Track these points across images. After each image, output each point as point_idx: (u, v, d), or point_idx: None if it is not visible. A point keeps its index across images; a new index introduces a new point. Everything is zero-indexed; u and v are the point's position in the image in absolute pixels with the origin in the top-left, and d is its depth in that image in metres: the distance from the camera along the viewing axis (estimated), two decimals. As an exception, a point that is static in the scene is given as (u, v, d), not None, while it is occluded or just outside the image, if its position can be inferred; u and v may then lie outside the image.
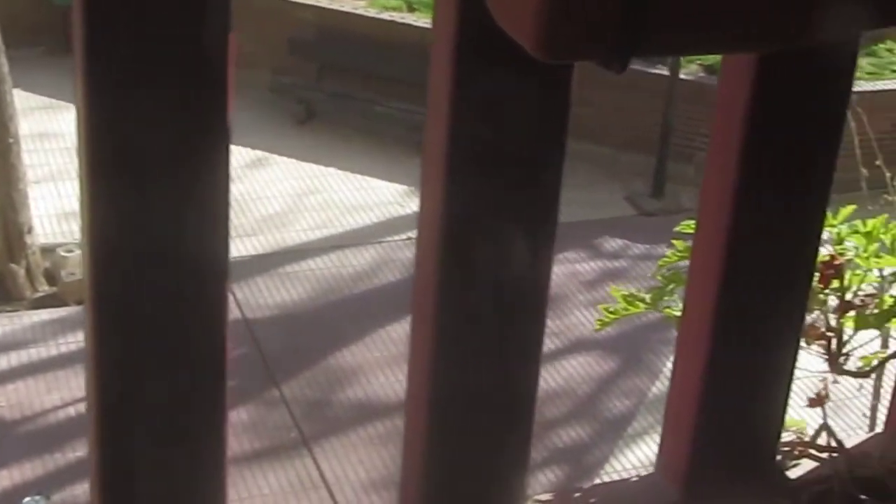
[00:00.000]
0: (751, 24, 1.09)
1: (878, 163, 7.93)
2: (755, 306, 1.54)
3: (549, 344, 8.46)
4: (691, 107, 10.51)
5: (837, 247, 1.70)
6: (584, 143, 10.87)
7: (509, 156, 1.31)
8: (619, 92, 10.33)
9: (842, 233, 1.71)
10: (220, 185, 1.20)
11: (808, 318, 1.71)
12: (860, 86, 10.59)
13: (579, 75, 1.28)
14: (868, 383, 1.79)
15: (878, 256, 1.71)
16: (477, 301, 1.36)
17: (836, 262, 1.66)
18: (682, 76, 10.37)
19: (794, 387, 1.69)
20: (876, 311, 1.67)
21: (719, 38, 1.11)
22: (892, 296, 1.70)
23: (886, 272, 1.72)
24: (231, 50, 1.16)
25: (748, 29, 1.10)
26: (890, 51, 12.06)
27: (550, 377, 7.90)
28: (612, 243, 9.81)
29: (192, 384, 1.27)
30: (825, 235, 1.72)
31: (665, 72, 10.41)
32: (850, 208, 1.71)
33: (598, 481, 6.84)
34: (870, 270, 1.71)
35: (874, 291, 1.72)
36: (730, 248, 1.48)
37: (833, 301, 1.71)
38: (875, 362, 1.70)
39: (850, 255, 1.68)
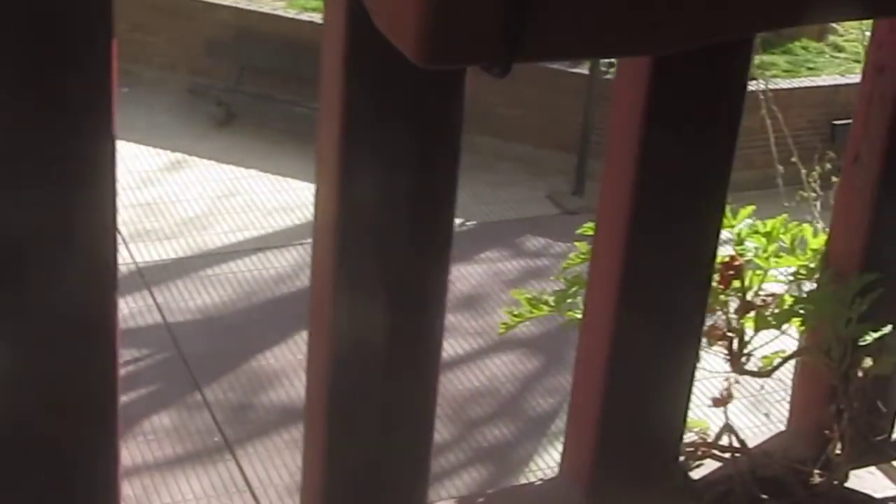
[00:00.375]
0: (640, 27, 1.09)
1: (793, 159, 8.06)
2: (655, 307, 1.54)
3: (472, 343, 8.47)
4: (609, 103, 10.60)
5: (738, 247, 1.71)
6: (506, 141, 10.93)
7: (403, 157, 1.30)
8: (540, 91, 10.38)
9: (742, 233, 1.72)
10: (104, 190, 1.16)
11: (710, 320, 1.72)
12: (776, 83, 10.74)
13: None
14: (770, 382, 1.80)
15: (777, 256, 1.72)
16: (373, 305, 1.35)
17: (736, 263, 1.67)
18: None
19: (697, 388, 1.69)
20: (776, 310, 1.68)
21: (609, 41, 1.10)
22: (792, 295, 1.71)
23: (787, 271, 1.73)
24: (114, 47, 1.13)
25: (638, 32, 1.10)
26: (805, 48, 12.24)
27: (474, 376, 7.91)
28: (535, 242, 9.84)
29: (82, 401, 1.24)
30: (726, 235, 1.73)
31: (586, 71, 10.48)
32: (749, 208, 1.72)
33: (522, 480, 6.86)
34: (770, 270, 1.72)
35: (774, 291, 1.73)
36: (628, 250, 1.48)
37: (735, 302, 1.72)
38: (776, 361, 1.71)
39: (749, 255, 1.69)
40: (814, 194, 8.22)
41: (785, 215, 1.75)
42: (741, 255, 1.69)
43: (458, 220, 1.45)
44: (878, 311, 1.64)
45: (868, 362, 1.65)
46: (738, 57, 1.44)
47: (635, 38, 1.12)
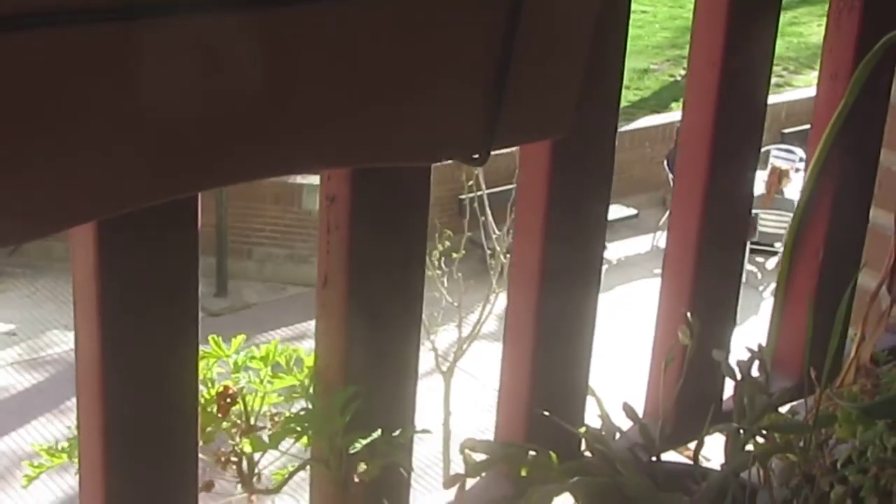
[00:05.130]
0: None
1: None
2: None
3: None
4: (244, 204, 10.71)
5: (234, 375, 1.81)
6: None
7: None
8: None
9: (238, 361, 1.82)
10: None
11: (217, 447, 1.81)
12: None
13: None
14: (284, 498, 1.89)
15: (277, 377, 1.83)
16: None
17: (231, 392, 1.77)
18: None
19: None
20: (275, 430, 1.78)
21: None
22: (292, 412, 1.81)
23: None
24: None
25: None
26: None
27: None
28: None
29: None
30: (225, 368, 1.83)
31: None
32: (240, 338, 1.82)
33: None
34: (271, 392, 1.83)
35: (279, 411, 1.84)
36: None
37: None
38: (287, 475, 1.82)
39: (242, 382, 1.79)
40: (438, 271, 8.64)
41: (276, 340, 1.87)
42: (235, 383, 1.79)
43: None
44: (367, 419, 1.77)
45: (363, 467, 1.77)
46: None
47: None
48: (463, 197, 10.61)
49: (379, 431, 1.76)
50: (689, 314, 2.00)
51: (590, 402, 2.08)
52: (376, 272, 1.73)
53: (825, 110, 2.22)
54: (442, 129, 1.34)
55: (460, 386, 9.18)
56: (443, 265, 8.51)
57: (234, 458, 1.77)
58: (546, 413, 1.93)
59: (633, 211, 14.00)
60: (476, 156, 1.36)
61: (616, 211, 12.34)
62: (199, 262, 1.54)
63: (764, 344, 2.05)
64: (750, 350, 1.96)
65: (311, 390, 1.82)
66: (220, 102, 1.15)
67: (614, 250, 12.44)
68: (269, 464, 1.85)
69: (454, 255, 8.24)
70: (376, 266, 1.72)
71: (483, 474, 1.89)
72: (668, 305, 2.18)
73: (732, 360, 2.00)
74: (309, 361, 1.85)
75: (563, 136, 1.41)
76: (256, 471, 1.80)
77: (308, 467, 1.81)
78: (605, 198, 1.96)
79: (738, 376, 1.95)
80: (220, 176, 1.25)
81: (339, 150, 1.34)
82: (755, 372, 1.98)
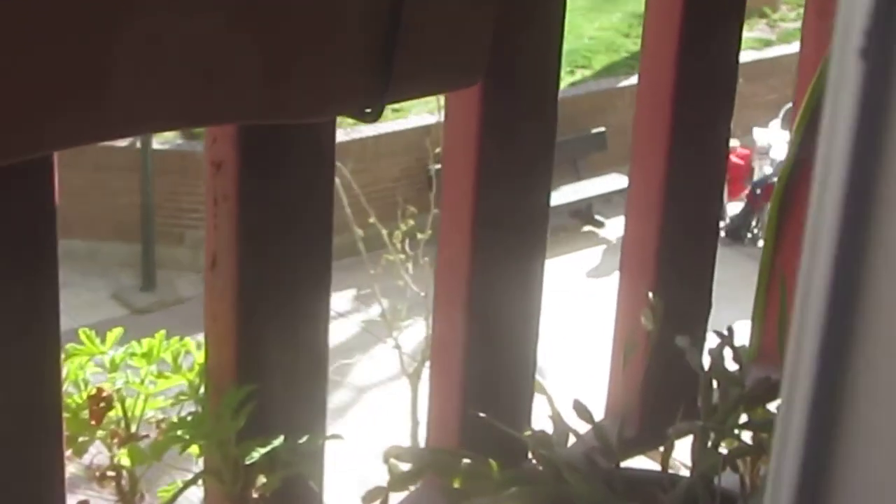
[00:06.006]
0: None
1: (371, 220, 8.41)
2: None
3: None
4: (174, 179, 10.69)
5: (110, 375, 1.82)
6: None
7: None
8: (88, 173, 10.34)
9: (115, 358, 1.83)
10: None
11: (90, 458, 1.82)
12: (361, 131, 11.18)
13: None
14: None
15: (162, 377, 1.85)
16: None
17: (105, 395, 1.78)
18: (155, 146, 10.52)
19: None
20: (159, 439, 1.80)
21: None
22: (179, 417, 1.83)
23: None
24: None
25: None
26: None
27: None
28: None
29: None
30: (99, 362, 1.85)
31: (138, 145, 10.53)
32: (117, 331, 1.84)
33: None
34: (157, 394, 1.84)
35: (164, 417, 1.85)
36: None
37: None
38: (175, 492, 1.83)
39: (120, 383, 1.80)
40: (402, 256, 8.64)
41: (163, 331, 1.88)
42: (112, 384, 1.80)
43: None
44: (266, 423, 1.79)
45: (262, 479, 1.79)
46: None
47: None
48: (432, 168, 10.60)
49: (281, 438, 1.78)
50: (650, 294, 2.01)
51: (540, 401, 2.10)
52: (275, 249, 1.74)
53: (812, 52, 2.24)
54: (328, 81, 1.36)
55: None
56: (407, 248, 8.51)
57: (111, 473, 1.79)
58: (482, 414, 1.95)
59: (635, 181, 14.09)
60: (368, 109, 1.38)
61: (615, 181, 12.37)
62: (56, 233, 1.55)
63: (742, 328, 2.07)
64: (720, 335, 1.98)
65: (200, 391, 1.83)
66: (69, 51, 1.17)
67: (613, 227, 12.47)
68: (157, 478, 1.87)
69: (419, 235, 8.24)
70: (274, 242, 1.73)
71: (411, 486, 1.91)
72: (630, 283, 2.20)
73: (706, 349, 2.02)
74: (200, 357, 1.86)
75: (473, 85, 1.42)
76: (139, 487, 1.82)
77: (200, 481, 1.83)
78: (549, 143, 1.95)
79: (707, 366, 1.97)
80: (85, 129, 1.27)
81: (215, 105, 1.36)
82: (729, 362, 2.00)
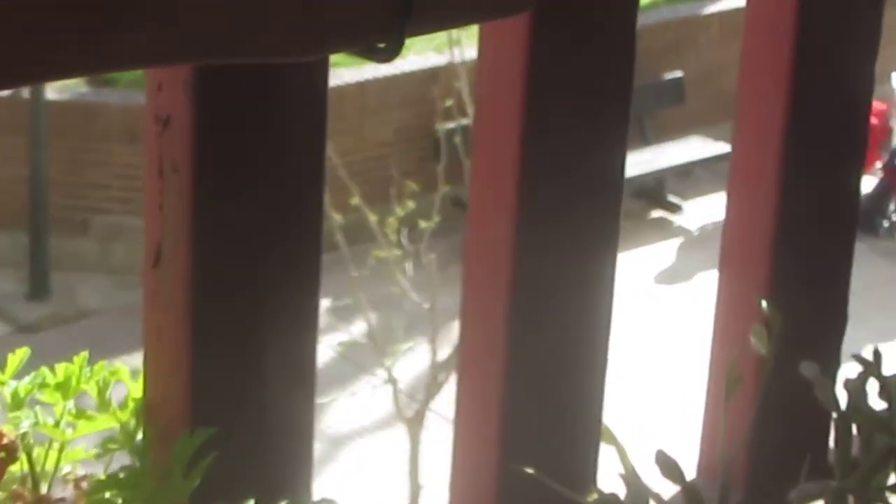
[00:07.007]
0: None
1: (354, 201, 8.41)
2: None
3: None
4: (76, 144, 10.69)
5: (12, 415, 1.84)
6: None
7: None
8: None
9: (20, 391, 1.85)
10: None
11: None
12: (339, 76, 11.20)
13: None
14: None
15: (84, 417, 1.86)
16: None
17: (5, 442, 1.80)
18: (50, 95, 10.49)
19: None
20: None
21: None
22: (108, 473, 1.85)
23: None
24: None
25: None
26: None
27: None
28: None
29: None
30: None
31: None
32: (21, 351, 1.85)
33: None
34: (74, 441, 1.87)
35: (90, 473, 1.87)
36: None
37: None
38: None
39: (26, 425, 1.82)
40: (398, 252, 8.63)
41: (85, 353, 1.90)
42: (15, 426, 1.82)
43: None
44: (230, 482, 1.81)
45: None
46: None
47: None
48: (440, 128, 10.53)
49: None
50: (763, 304, 2.03)
51: (607, 452, 2.12)
52: (239, 240, 1.76)
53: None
54: (327, 4, 1.37)
55: (436, 440, 9.20)
56: (405, 240, 8.51)
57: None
58: (529, 469, 1.97)
59: (725, 148, 14.08)
60: (381, 45, 1.39)
61: (696, 147, 12.41)
62: None
63: (890, 351, 2.10)
64: (861, 360, 2.00)
65: (138, 437, 1.85)
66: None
67: (694, 212, 12.49)
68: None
69: (423, 223, 8.24)
70: (237, 229, 1.75)
71: None
72: (732, 289, 2.22)
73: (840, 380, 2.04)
74: (137, 391, 1.88)
75: (527, 10, 1.44)
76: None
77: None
78: (625, 109, 1.98)
79: (844, 405, 1.99)
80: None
81: (172, 40, 1.37)
82: (874, 399, 2.02)
